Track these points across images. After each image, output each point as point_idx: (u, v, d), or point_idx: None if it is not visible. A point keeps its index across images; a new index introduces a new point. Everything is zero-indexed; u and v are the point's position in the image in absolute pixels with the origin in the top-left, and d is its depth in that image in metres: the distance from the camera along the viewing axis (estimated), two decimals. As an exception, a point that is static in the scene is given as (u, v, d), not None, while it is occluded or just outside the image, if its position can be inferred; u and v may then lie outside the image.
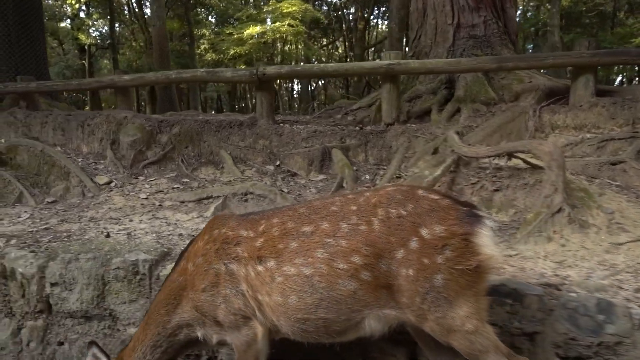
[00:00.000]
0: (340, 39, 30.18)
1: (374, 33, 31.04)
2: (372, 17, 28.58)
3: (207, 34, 29.48)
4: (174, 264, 2.61)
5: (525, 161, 3.94)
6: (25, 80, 7.17)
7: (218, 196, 4.80)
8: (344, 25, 28.52)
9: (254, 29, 19.62)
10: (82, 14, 27.21)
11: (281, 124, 6.37)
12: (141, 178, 5.77)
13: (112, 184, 5.50)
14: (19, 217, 4.75)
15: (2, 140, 6.55)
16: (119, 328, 3.29)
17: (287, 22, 20.15)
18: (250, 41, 19.95)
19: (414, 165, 5.16)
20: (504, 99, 5.79)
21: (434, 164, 4.82)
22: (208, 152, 6.21)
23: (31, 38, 9.18)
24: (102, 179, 5.50)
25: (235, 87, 29.58)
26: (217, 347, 2.79)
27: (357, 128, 5.99)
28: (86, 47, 28.85)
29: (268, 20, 20.94)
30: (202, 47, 27.89)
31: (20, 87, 6.97)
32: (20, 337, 3.45)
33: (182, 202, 4.87)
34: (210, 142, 6.24)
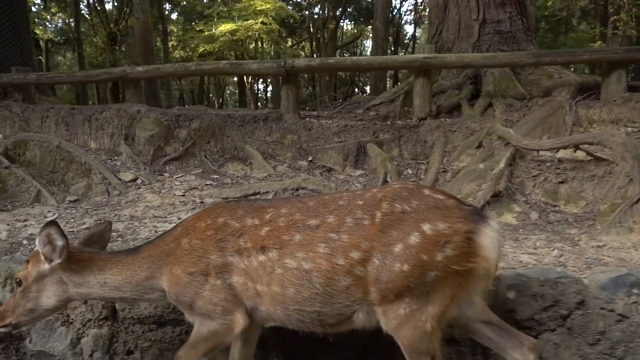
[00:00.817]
0: (307, 39, 29.99)
1: (339, 33, 30.88)
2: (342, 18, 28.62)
3: (174, 30, 28.71)
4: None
5: (589, 153, 3.96)
6: (21, 72, 6.62)
7: (267, 192, 4.57)
8: (310, 25, 28.39)
9: (226, 26, 19.19)
10: (34, 8, 25.59)
11: (307, 119, 6.18)
12: (166, 175, 5.44)
13: (138, 181, 5.15)
14: (45, 217, 4.35)
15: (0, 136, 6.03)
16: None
17: (260, 20, 19.86)
18: (221, 39, 19.52)
19: (457, 159, 5.11)
20: (532, 95, 5.85)
21: (483, 158, 4.79)
22: (232, 147, 5.94)
23: (15, 28, 8.50)
24: (127, 176, 5.14)
25: (202, 86, 28.86)
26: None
27: (389, 123, 5.89)
28: (42, 43, 27.28)
29: (235, 17, 20.49)
30: (170, 44, 27.09)
31: (18, 79, 6.44)
32: (81, 347, 3.13)
33: (225, 198, 4.61)
34: (234, 137, 5.98)
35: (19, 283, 2.43)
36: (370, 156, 5.42)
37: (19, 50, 8.53)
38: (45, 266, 2.38)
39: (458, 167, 4.94)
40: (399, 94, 6.74)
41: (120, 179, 5.07)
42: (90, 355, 3.09)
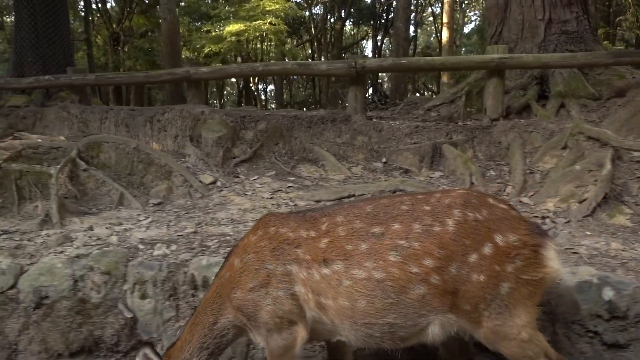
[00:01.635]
0: (307, 40, 29.82)
1: (331, 34, 30.51)
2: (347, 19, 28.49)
3: (181, 31, 28.56)
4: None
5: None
6: (78, 72, 6.53)
7: (362, 194, 4.51)
8: (312, 26, 28.28)
9: (234, 27, 19.08)
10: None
11: (374, 120, 6.13)
12: (241, 177, 5.37)
13: (218, 184, 5.08)
14: (139, 220, 4.27)
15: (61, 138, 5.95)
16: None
17: (268, 20, 19.78)
18: (228, 39, 19.42)
19: (540, 160, 5.07)
20: (601, 95, 5.82)
21: (572, 159, 4.74)
22: (300, 149, 5.88)
23: (58, 28, 8.41)
24: (207, 179, 5.07)
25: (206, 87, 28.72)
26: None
27: (459, 124, 5.85)
28: None
29: (243, 17, 20.31)
30: None
31: (77, 80, 6.34)
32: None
33: (318, 201, 4.54)
34: (302, 139, 5.92)
35: None
36: (447, 157, 5.37)
37: (62, 52, 8.43)
38: None
39: (544, 169, 4.90)
40: (459, 95, 6.70)
41: (201, 182, 4.99)
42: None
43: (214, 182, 5.07)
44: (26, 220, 4.54)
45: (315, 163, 5.69)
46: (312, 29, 28.01)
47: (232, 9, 22.37)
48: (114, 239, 3.69)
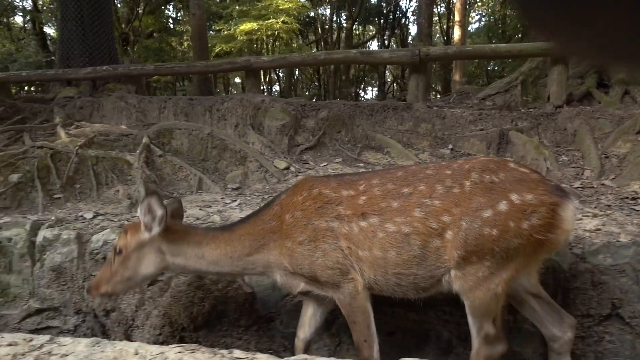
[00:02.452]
0: (313, 41, 29.72)
1: (338, 34, 30.39)
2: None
3: (189, 30, 28.57)
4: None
5: None
6: (135, 62, 6.58)
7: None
8: (318, 26, 28.22)
9: (246, 25, 19.09)
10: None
11: (435, 108, 6.15)
12: (311, 163, 5.40)
13: (292, 169, 5.11)
14: (226, 202, 4.31)
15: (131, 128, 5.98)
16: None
17: (281, 19, 19.80)
18: (240, 38, 19.44)
19: (612, 145, 5.07)
20: (664, 82, 5.82)
21: (650, 143, 4.76)
22: (362, 136, 5.90)
23: (103, 20, 8.47)
24: (280, 164, 5.09)
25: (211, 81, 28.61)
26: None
27: (523, 110, 5.87)
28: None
29: (255, 16, 20.30)
30: (186, 43, 27.02)
31: (135, 70, 6.39)
32: (336, 329, 3.08)
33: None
34: (364, 127, 5.94)
35: (119, 252, 2.50)
36: (515, 143, 5.38)
37: (107, 44, 8.49)
38: (146, 235, 2.49)
39: (619, 153, 4.91)
40: (514, 84, 6.70)
41: (276, 167, 5.02)
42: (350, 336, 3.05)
43: (287, 168, 5.10)
44: (108, 204, 4.58)
45: (380, 150, 5.71)
46: (319, 29, 28.00)
47: (244, 8, 22.46)
48: (216, 217, 3.72)
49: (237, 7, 22.43)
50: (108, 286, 2.53)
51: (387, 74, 27.68)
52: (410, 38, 29.64)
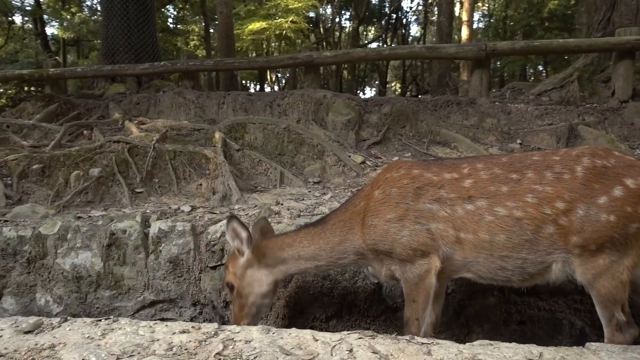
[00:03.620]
0: (316, 42, 29.60)
1: (340, 34, 30.29)
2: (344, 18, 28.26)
3: (196, 29, 28.56)
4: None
5: None
6: (192, 58, 6.58)
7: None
8: (321, 27, 28.16)
9: (255, 25, 19.07)
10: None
11: (497, 103, 6.17)
12: (383, 157, 5.41)
13: (368, 163, 5.12)
14: (317, 196, 4.31)
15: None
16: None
17: (290, 19, 19.79)
18: (248, 37, 19.41)
19: (687, 139, 5.11)
20: None
21: None
22: (427, 131, 5.92)
23: (148, 17, 8.47)
24: (357, 159, 5.10)
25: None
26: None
27: (588, 105, 5.89)
28: (60, 41, 26.86)
29: (264, 15, 20.23)
30: (192, 43, 26.98)
31: (194, 65, 6.39)
32: (465, 319, 3.10)
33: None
34: (428, 122, 5.96)
35: (232, 287, 2.58)
36: (585, 138, 5.40)
37: (151, 41, 8.50)
38: (242, 260, 2.55)
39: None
40: (570, 80, 6.72)
41: (354, 161, 5.03)
42: (481, 326, 3.06)
43: (363, 162, 5.11)
44: (193, 197, 4.59)
45: (447, 145, 5.73)
46: (322, 29, 27.96)
47: (252, 7, 22.44)
48: (321, 209, 3.72)
49: (245, 7, 22.42)
50: (246, 319, 2.57)
51: (389, 74, 27.62)
52: (410, 39, 29.76)
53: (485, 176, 2.31)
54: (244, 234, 2.51)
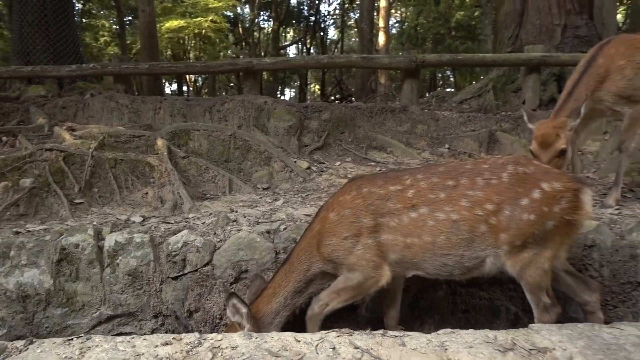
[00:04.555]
0: (233, 41, 29.41)
1: (259, 35, 30.46)
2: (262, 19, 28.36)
3: (106, 25, 27.06)
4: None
5: None
6: (125, 61, 6.32)
7: (465, 173, 5.00)
8: (240, 27, 28.12)
9: (173, 23, 18.64)
10: None
11: (426, 110, 6.67)
12: (327, 162, 5.63)
13: (313, 168, 5.30)
14: (269, 202, 4.41)
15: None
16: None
17: (210, 18, 19.62)
18: (165, 36, 18.94)
19: (583, 144, 5.91)
20: None
21: (615, 141, 5.64)
22: (364, 137, 6.25)
23: (67, 13, 7.94)
24: (302, 164, 5.27)
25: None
26: None
27: (504, 114, 6.59)
28: None
29: (184, 14, 19.79)
30: (103, 39, 25.56)
31: (127, 69, 6.15)
32: (419, 310, 3.39)
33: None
34: (365, 128, 6.30)
35: None
36: (502, 143, 6.06)
37: (72, 39, 7.99)
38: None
39: (592, 150, 5.76)
40: (486, 90, 7.47)
41: (300, 167, 5.18)
42: (432, 317, 3.38)
43: (309, 167, 5.29)
44: (140, 207, 4.48)
45: (383, 150, 6.10)
46: (240, 29, 27.77)
47: (169, 5, 21.69)
48: (278, 215, 3.84)
49: (161, 3, 21.52)
50: None
51: (309, 76, 27.97)
52: (328, 42, 30.42)
53: (425, 185, 2.62)
54: (244, 310, 2.61)
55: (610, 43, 3.90)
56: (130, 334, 3.33)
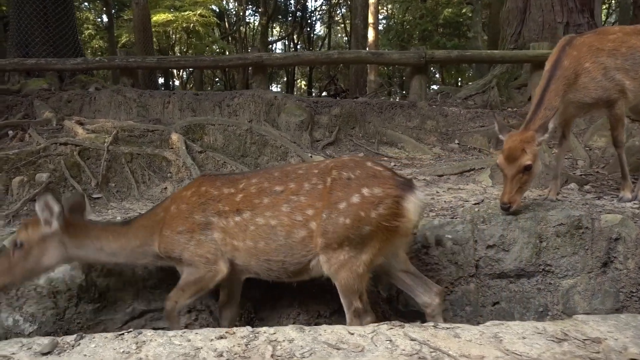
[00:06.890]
0: (220, 35, 29.18)
1: (246, 30, 30.29)
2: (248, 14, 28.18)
3: (90, 18, 26.59)
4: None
5: None
6: (131, 55, 6.23)
7: (481, 168, 5.06)
8: (226, 22, 27.93)
9: (161, 16, 18.43)
10: None
11: (434, 106, 6.73)
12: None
13: (329, 164, 5.31)
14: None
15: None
16: (550, 282, 3.52)
17: (198, 12, 19.45)
18: (152, 29, 18.73)
19: (590, 139, 6.04)
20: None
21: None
22: (374, 132, 6.29)
23: (66, 8, 7.76)
24: (317, 159, 5.27)
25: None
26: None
27: (509, 109, 6.69)
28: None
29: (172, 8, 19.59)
30: (87, 32, 25.11)
31: (135, 62, 6.06)
32: (450, 302, 3.44)
33: (441, 175, 5.01)
34: (375, 123, 6.33)
35: (20, 245, 2.69)
36: (511, 138, 6.15)
37: (71, 32, 7.82)
38: (47, 229, 2.71)
39: (599, 146, 5.90)
40: (490, 86, 7.56)
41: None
42: (463, 309, 3.43)
43: (324, 162, 5.29)
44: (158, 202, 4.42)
45: (394, 145, 6.14)
46: (227, 24, 27.55)
47: None
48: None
49: (149, -5, 21.18)
50: (6, 278, 2.67)
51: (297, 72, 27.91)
52: (315, 37, 30.35)
53: (254, 190, 2.67)
54: (56, 208, 2.65)
55: (572, 45, 3.71)
56: (164, 328, 3.31)
